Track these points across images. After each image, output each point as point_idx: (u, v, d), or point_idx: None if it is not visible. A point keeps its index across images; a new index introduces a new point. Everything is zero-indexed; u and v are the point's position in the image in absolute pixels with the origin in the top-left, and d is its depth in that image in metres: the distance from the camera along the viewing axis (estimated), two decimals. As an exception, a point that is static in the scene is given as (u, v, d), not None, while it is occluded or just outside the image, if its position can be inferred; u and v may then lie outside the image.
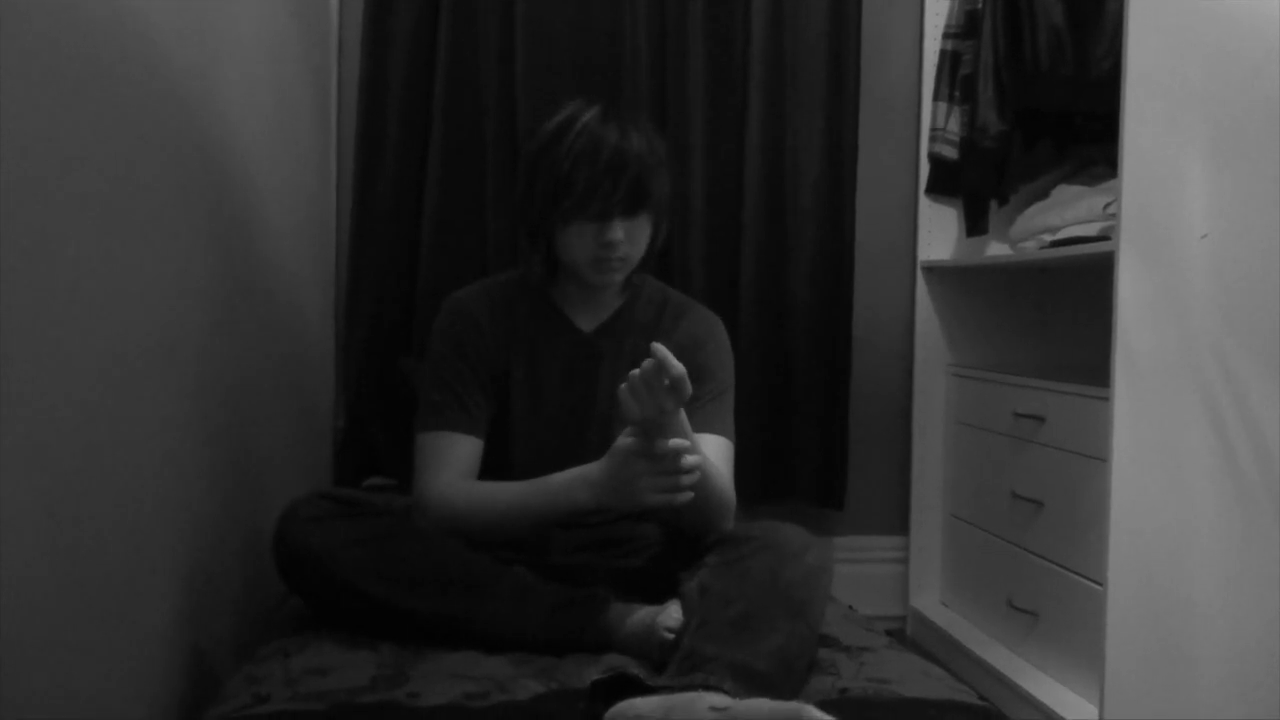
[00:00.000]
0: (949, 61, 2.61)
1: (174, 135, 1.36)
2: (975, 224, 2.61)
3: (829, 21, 2.63)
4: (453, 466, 1.63)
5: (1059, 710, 1.96)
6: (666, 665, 1.31)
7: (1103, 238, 2.07)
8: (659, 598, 1.48)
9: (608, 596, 1.50)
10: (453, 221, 2.56)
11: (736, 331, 2.55)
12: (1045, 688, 2.08)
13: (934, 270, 2.71)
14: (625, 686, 1.21)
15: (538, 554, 1.62)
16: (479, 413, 1.68)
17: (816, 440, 2.67)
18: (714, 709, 1.14)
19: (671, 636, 1.38)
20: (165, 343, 1.32)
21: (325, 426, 2.54)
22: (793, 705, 1.13)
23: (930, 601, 2.71)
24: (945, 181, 2.67)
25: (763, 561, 1.40)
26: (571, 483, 1.53)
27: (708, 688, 1.19)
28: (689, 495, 1.45)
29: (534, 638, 1.45)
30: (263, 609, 1.79)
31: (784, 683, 1.28)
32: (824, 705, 1.28)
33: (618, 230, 1.60)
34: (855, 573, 2.68)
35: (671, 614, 1.41)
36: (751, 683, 1.23)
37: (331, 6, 2.56)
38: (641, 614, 1.45)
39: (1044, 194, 2.45)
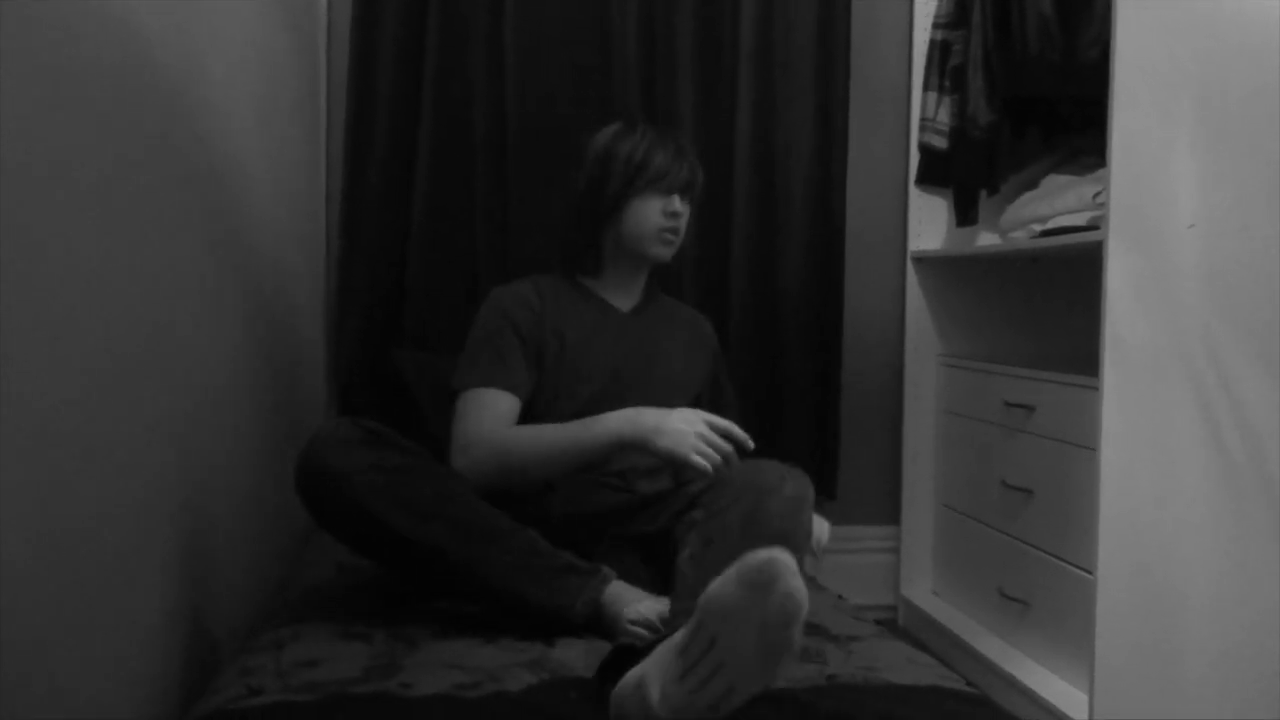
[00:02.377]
0: (939, 51, 2.61)
1: (161, 126, 1.36)
2: (965, 214, 2.62)
3: (818, 11, 2.64)
4: (495, 416, 1.72)
5: (1050, 699, 1.97)
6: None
7: (1092, 227, 2.07)
8: (658, 558, 1.59)
9: (609, 575, 1.52)
10: (443, 210, 2.55)
11: (728, 322, 2.56)
12: (1036, 676, 2.09)
13: (924, 260, 2.71)
14: (626, 659, 1.23)
15: (540, 505, 1.70)
16: (520, 377, 1.79)
17: (808, 430, 2.67)
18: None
19: (636, 630, 1.41)
20: (154, 335, 1.32)
21: (317, 418, 2.54)
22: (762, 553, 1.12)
23: (921, 591, 2.72)
24: (935, 171, 2.67)
25: (744, 504, 1.46)
26: (628, 414, 1.65)
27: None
28: (714, 475, 1.58)
29: (530, 599, 1.47)
30: (257, 600, 1.79)
31: None
32: (812, 691, 1.29)
33: (678, 204, 1.85)
34: (846, 562, 2.69)
35: (638, 609, 1.44)
36: None
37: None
38: (629, 602, 1.47)
39: (1033, 184, 2.45)
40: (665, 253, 1.89)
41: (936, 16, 2.63)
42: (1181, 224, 1.78)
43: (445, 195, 2.56)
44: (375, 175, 2.55)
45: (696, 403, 1.94)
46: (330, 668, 1.31)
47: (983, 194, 2.59)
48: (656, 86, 2.60)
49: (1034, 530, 2.19)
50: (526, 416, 1.78)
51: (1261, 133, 1.80)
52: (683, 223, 1.88)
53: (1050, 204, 2.27)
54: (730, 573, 1.12)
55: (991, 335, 2.73)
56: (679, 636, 1.16)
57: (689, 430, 1.59)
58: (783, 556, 1.10)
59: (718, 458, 1.58)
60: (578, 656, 1.37)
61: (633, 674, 1.18)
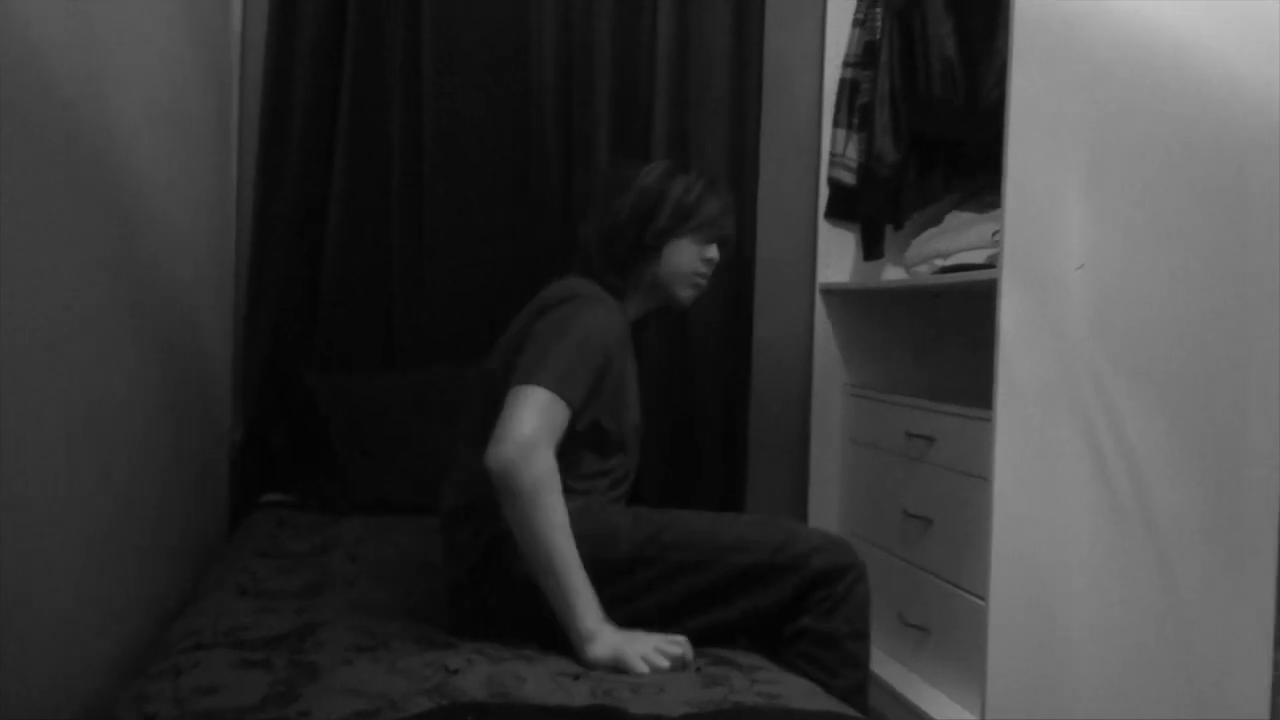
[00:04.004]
0: (848, 89, 2.68)
1: (55, 132, 1.33)
2: (872, 248, 2.69)
3: (731, 47, 2.70)
4: (553, 432, 1.63)
5: (945, 723, 2.02)
6: None
7: (989, 265, 2.14)
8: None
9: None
10: (357, 229, 2.56)
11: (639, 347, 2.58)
12: (935, 702, 2.13)
13: (832, 292, 2.77)
14: None
15: None
16: (583, 404, 1.69)
17: (717, 456, 2.71)
18: None
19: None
20: (48, 350, 1.30)
21: (222, 438, 2.50)
22: None
23: (826, 616, 2.75)
24: (844, 206, 2.73)
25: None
26: (590, 603, 1.58)
27: None
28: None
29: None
30: (156, 625, 1.77)
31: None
32: (715, 715, 1.31)
33: (716, 253, 1.88)
34: (753, 588, 2.72)
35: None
36: None
37: (234, 10, 2.54)
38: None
39: (938, 220, 2.52)
40: (690, 296, 1.91)
41: (846, 56, 2.71)
42: (1071, 265, 1.86)
43: (360, 213, 2.56)
44: (287, 194, 2.54)
45: None
46: (228, 695, 1.30)
47: (889, 229, 2.66)
48: (573, 119, 2.63)
49: (933, 558, 2.25)
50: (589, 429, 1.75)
51: (1147, 179, 1.88)
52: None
53: (952, 240, 2.34)
54: None
55: (896, 367, 2.79)
56: None
57: (643, 658, 1.55)
58: None
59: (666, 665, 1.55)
60: (479, 684, 1.38)
61: None
